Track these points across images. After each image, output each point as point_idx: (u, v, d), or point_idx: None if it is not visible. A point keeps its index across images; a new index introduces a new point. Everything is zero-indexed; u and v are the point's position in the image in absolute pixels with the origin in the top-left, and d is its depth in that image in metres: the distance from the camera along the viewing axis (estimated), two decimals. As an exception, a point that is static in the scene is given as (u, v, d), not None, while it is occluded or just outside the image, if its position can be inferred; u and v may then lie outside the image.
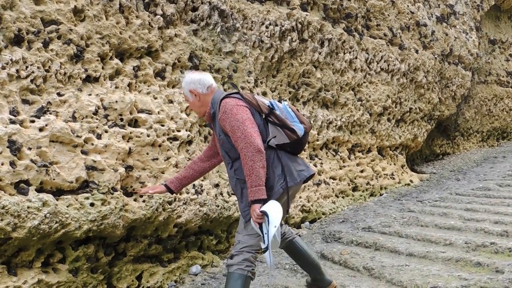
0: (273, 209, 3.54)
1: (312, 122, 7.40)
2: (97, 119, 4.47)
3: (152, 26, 5.20)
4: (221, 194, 5.59)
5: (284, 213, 4.04)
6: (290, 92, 7.23)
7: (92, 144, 4.36)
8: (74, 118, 4.29)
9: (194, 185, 5.18)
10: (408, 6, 9.52)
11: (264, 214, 3.51)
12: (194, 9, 5.79)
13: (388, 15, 9.05)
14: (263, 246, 3.62)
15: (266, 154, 3.65)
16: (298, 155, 4.01)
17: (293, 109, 3.94)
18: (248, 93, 3.90)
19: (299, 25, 7.20)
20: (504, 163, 10.79)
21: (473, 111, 12.59)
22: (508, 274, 4.30)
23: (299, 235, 5.98)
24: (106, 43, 4.73)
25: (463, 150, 12.53)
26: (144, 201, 4.71)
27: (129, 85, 4.92)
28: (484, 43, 13.02)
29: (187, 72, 4.32)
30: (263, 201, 3.58)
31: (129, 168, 4.65)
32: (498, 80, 13.36)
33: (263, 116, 3.82)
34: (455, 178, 9.67)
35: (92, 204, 4.23)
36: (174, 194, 4.76)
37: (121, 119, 4.70)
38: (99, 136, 4.45)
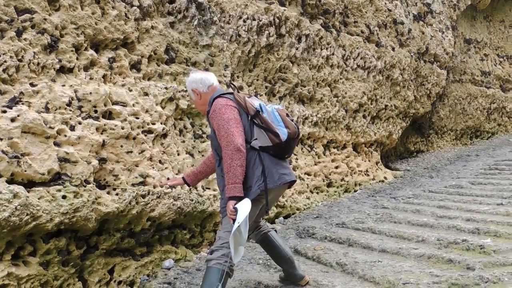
0: (241, 207, 3.61)
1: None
2: (70, 110, 4.41)
3: (128, 18, 5.14)
4: (196, 188, 5.57)
5: (262, 214, 4.12)
6: (266, 87, 7.22)
7: (65, 136, 4.30)
8: (47, 109, 4.22)
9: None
10: (385, 3, 9.58)
11: (236, 211, 3.57)
12: (171, 1, 5.74)
13: (366, 12, 9.10)
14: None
15: (248, 155, 3.76)
16: (286, 159, 4.06)
17: (281, 113, 3.99)
18: (241, 94, 3.98)
19: (277, 20, 7.19)
20: (477, 162, 10.93)
21: (447, 109, 12.73)
22: (478, 271, 4.36)
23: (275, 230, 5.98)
24: (81, 34, 4.67)
25: (437, 148, 12.66)
26: (117, 194, 4.67)
27: (104, 76, 4.87)
28: (459, 42, 13.17)
29: (192, 71, 4.41)
30: (239, 199, 3.65)
31: (102, 160, 4.59)
32: (472, 79, 13.52)
33: (249, 118, 3.87)
34: (428, 176, 9.78)
35: (64, 197, 4.17)
36: (189, 187, 5.02)
37: (95, 111, 4.64)
38: (72, 128, 4.39)
